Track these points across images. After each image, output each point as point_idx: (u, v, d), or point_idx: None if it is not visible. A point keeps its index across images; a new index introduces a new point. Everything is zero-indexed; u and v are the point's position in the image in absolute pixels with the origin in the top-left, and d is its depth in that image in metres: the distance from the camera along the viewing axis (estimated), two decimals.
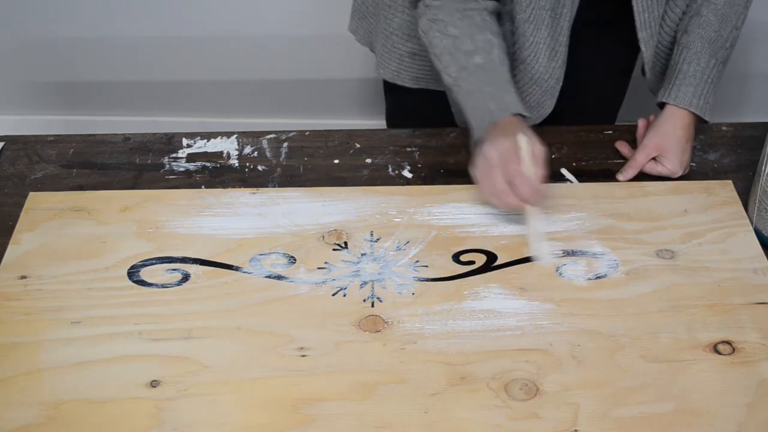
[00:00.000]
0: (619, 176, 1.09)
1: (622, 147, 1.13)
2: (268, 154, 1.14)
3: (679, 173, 1.08)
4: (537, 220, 0.99)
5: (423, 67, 1.23)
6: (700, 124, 1.11)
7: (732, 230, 1.00)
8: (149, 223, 1.02)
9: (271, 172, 1.12)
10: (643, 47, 1.14)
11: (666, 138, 1.08)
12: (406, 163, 1.12)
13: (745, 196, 1.04)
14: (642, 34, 1.13)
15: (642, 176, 1.09)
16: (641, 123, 1.15)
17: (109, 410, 0.83)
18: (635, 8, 1.10)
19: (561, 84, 1.16)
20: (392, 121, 1.40)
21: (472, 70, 1.04)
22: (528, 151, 0.95)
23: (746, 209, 1.02)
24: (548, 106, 1.18)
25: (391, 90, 1.33)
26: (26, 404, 0.83)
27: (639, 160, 1.09)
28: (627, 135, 1.16)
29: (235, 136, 1.17)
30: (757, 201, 1.00)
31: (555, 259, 0.97)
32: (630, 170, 1.09)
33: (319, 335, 0.89)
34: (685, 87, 1.08)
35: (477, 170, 0.99)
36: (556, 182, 1.08)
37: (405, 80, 1.26)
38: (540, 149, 0.97)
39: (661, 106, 1.11)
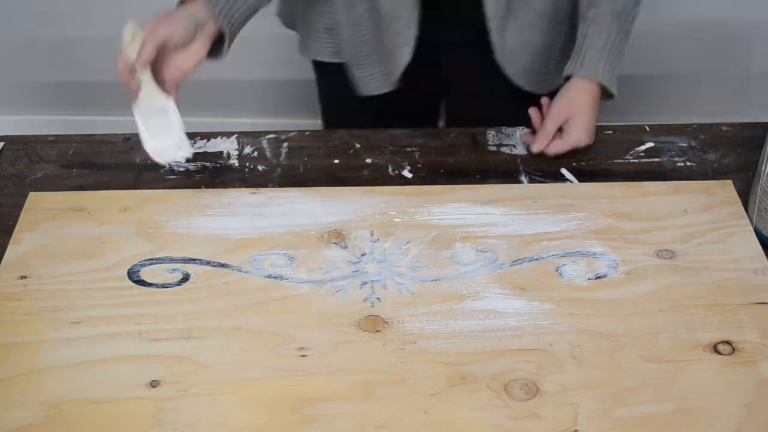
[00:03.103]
0: (533, 148, 1.10)
1: (534, 113, 1.14)
2: (268, 154, 1.14)
3: (585, 142, 1.10)
4: (147, 108, 1.00)
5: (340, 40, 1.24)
6: (606, 100, 1.12)
7: (732, 230, 1.00)
8: (149, 223, 1.02)
9: (271, 172, 1.12)
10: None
11: (572, 103, 1.09)
12: (406, 163, 1.12)
13: (745, 196, 1.04)
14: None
15: (642, 176, 1.09)
16: (544, 100, 1.15)
17: (109, 410, 0.83)
18: None
19: (414, 29, 1.16)
20: (323, 101, 1.41)
21: None
22: (129, 32, 1.00)
23: (746, 209, 1.02)
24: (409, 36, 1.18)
25: (317, 69, 1.35)
26: (26, 404, 0.83)
27: (548, 128, 1.10)
28: (628, 134, 1.16)
29: (235, 136, 1.17)
30: (757, 201, 1.00)
31: (186, 151, 1.01)
32: (542, 139, 1.10)
33: (319, 335, 0.89)
34: (590, 58, 1.09)
35: None
36: (556, 182, 1.09)
37: (325, 56, 1.27)
38: (150, 31, 1.00)
39: (566, 80, 1.12)
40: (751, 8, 1.88)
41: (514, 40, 1.18)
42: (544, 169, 1.11)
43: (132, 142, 1.16)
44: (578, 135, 1.09)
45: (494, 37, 1.17)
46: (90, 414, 0.82)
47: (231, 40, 1.06)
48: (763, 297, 0.92)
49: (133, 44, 1.00)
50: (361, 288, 0.94)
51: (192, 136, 1.17)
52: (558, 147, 1.11)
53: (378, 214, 1.03)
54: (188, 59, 1.03)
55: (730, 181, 1.07)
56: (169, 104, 1.01)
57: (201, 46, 1.04)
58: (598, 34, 1.10)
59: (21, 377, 0.86)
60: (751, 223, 1.00)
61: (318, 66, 1.34)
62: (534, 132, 1.13)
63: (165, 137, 0.98)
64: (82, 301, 0.93)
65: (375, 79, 1.23)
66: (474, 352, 0.87)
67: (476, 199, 1.04)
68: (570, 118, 1.09)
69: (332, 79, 1.32)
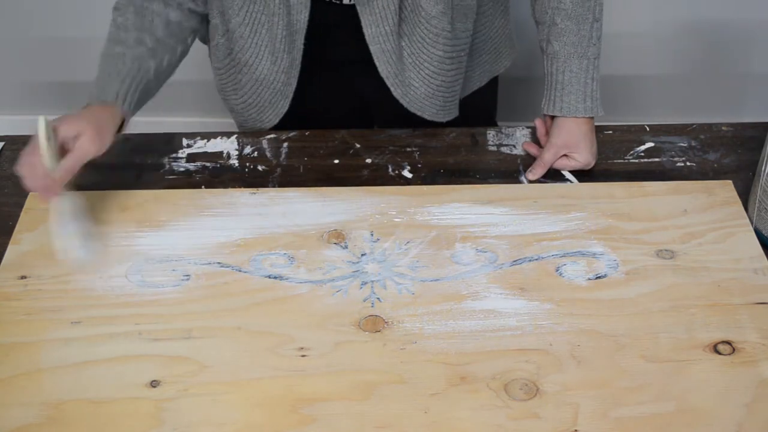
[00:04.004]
0: (529, 175, 1.10)
1: (530, 147, 1.13)
2: (268, 154, 1.14)
3: (592, 164, 1.10)
4: (59, 212, 0.95)
5: None
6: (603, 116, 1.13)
7: (732, 230, 1.00)
8: (149, 223, 1.02)
9: (271, 172, 1.12)
10: (376, 61, 1.13)
11: (572, 135, 1.09)
12: (406, 163, 1.12)
13: (745, 196, 1.04)
14: (373, 48, 1.12)
15: (642, 176, 1.09)
16: (539, 123, 1.15)
17: (109, 410, 0.83)
18: (363, 22, 1.10)
19: (293, 86, 1.17)
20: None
21: (106, 56, 1.06)
22: (43, 136, 0.90)
23: (746, 209, 1.02)
24: (282, 106, 1.19)
25: None
26: (26, 404, 0.83)
27: (547, 159, 1.09)
28: (628, 135, 1.16)
29: (235, 136, 1.17)
30: (757, 201, 1.00)
31: (86, 254, 0.96)
32: (538, 169, 1.10)
33: (319, 335, 0.89)
34: (566, 96, 1.09)
35: None
36: (556, 182, 1.09)
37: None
38: (67, 133, 0.93)
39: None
40: (751, 8, 1.88)
41: (413, 90, 1.18)
42: None
43: (132, 142, 1.16)
44: (585, 161, 1.09)
45: (395, 92, 1.17)
46: (90, 414, 0.82)
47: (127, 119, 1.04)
48: (763, 297, 0.92)
49: (49, 147, 0.91)
50: (361, 288, 0.94)
51: (192, 136, 1.17)
52: (564, 165, 1.11)
53: (378, 214, 1.03)
54: (94, 146, 0.96)
55: (730, 181, 1.07)
56: (65, 206, 0.96)
57: (110, 136, 0.99)
58: (564, 70, 1.09)
59: (21, 377, 0.86)
60: (751, 223, 1.00)
61: None
62: (537, 143, 1.14)
63: (68, 242, 0.96)
64: (82, 301, 0.93)
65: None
66: (474, 352, 0.87)
67: (476, 199, 1.04)
68: (573, 148, 1.09)
69: None
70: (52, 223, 0.96)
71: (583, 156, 1.09)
